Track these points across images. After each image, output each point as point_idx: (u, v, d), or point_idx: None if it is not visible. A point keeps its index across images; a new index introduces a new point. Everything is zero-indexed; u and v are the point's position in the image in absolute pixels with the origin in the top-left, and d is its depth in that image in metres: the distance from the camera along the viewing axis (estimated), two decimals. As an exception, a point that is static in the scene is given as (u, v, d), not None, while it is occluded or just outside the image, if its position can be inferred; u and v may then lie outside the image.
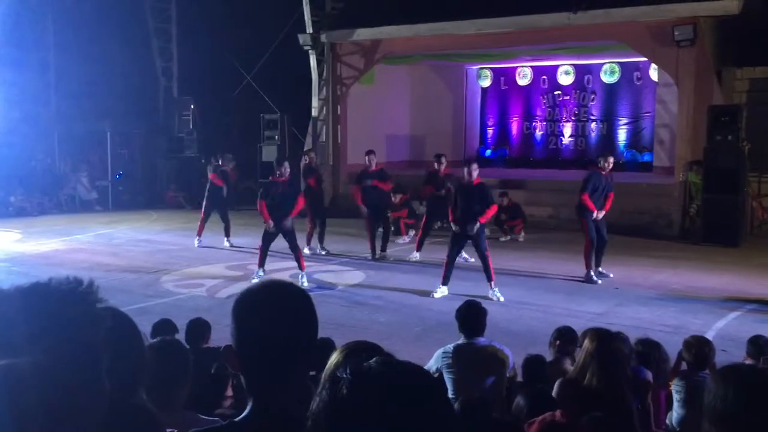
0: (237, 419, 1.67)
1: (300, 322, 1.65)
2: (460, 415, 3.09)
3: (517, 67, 21.75)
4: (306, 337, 1.65)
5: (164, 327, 5.44)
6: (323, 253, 12.82)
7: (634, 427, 3.76)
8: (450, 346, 5.06)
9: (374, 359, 1.10)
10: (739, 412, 1.76)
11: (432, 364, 5.06)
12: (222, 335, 5.27)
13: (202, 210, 13.86)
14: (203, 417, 2.75)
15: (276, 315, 1.62)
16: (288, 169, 10.45)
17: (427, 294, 9.73)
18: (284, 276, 10.67)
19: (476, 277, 10.13)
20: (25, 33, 19.07)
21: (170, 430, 2.02)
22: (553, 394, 3.81)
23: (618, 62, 20.05)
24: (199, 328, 5.48)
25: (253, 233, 12.90)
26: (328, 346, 4.36)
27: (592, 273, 10.47)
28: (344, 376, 1.06)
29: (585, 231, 10.51)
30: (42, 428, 1.11)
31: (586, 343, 3.85)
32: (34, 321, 1.17)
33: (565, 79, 21.16)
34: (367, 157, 12.57)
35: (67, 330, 1.17)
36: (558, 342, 5.07)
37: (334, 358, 1.48)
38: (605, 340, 3.83)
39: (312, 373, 2.67)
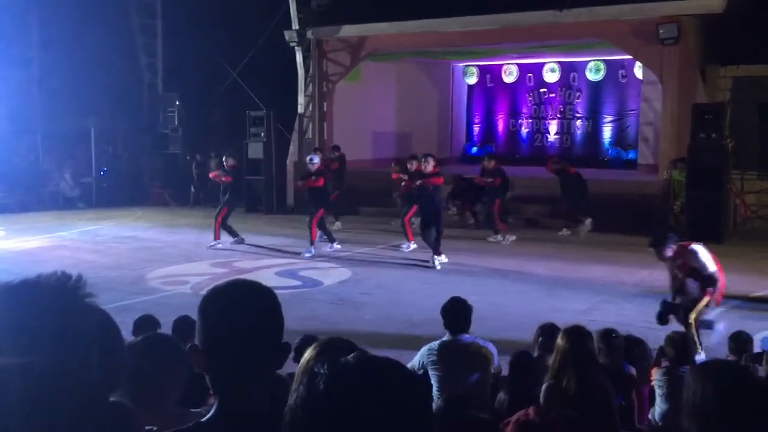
0: (203, 420, 1.65)
1: (265, 321, 1.64)
2: (443, 412, 3.09)
3: (503, 64, 21.79)
4: (272, 335, 1.65)
5: (146, 323, 5.41)
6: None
7: (615, 424, 3.78)
8: (435, 343, 5.07)
9: (352, 354, 1.10)
10: (716, 408, 1.77)
11: (416, 361, 5.07)
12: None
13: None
14: (193, 411, 2.73)
15: (241, 313, 1.62)
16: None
17: (413, 291, 9.74)
18: (269, 273, 10.68)
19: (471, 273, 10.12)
20: (8, 28, 18.84)
21: (149, 427, 2.00)
22: (540, 400, 3.81)
23: (603, 60, 20.13)
24: (185, 326, 5.44)
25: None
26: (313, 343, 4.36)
27: None
28: (322, 371, 1.05)
29: None
30: (31, 421, 1.10)
31: (559, 342, 3.88)
32: (23, 317, 1.16)
33: (551, 76, 21.23)
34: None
35: (56, 325, 1.17)
36: (541, 339, 5.09)
37: (307, 354, 1.48)
38: (577, 338, 3.85)
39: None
